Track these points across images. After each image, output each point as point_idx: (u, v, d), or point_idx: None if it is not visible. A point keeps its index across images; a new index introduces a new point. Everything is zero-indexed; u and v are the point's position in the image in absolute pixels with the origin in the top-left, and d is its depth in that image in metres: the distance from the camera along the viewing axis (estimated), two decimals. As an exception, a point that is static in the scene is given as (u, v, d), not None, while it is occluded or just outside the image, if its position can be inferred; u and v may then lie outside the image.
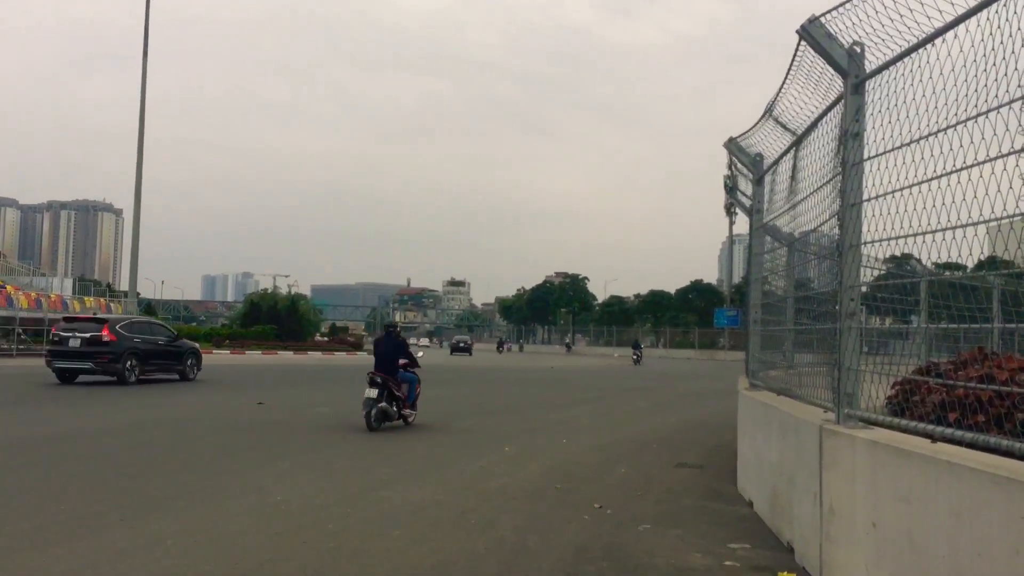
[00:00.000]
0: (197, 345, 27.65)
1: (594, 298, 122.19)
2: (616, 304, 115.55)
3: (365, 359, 43.19)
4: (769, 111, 7.46)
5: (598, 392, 25.11)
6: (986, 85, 4.03)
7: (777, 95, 7.04)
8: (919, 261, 6.33)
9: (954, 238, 4.20)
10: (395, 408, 13.76)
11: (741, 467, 8.79)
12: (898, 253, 5.46)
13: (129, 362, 22.50)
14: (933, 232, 4.42)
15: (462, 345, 76.90)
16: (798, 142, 7.13)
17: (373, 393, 13.34)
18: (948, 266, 5.69)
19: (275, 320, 63.37)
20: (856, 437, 4.82)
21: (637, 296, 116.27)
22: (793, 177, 7.47)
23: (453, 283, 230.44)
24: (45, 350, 24.66)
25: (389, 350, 14.03)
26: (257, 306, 66.87)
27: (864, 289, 7.09)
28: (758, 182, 9.05)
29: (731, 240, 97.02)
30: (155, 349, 23.86)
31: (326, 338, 79.39)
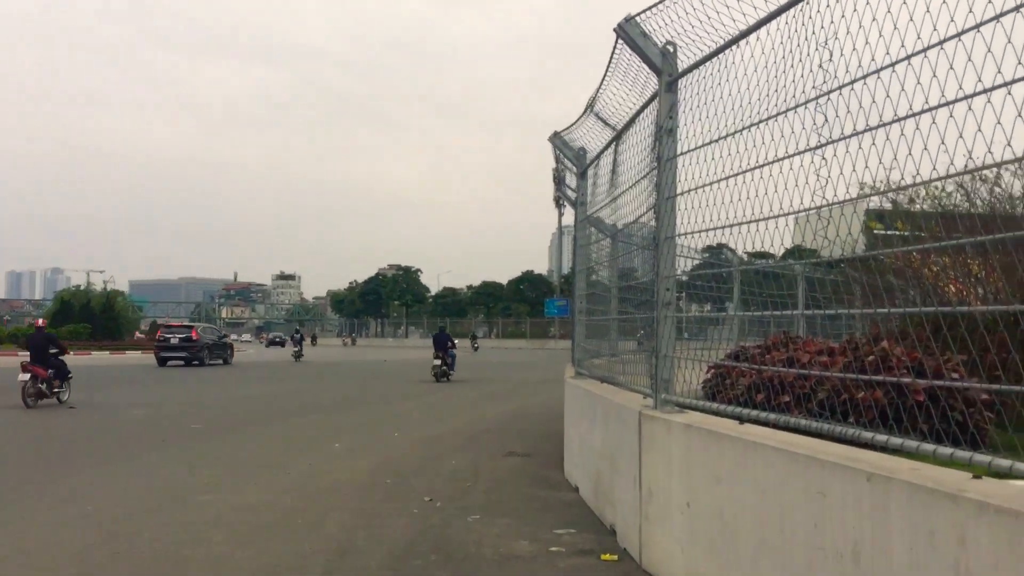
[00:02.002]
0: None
1: (427, 290, 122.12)
2: (450, 296, 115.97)
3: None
4: (591, 107, 7.64)
5: (431, 385, 25.10)
6: (785, 85, 4.27)
7: (597, 91, 7.22)
8: (732, 250, 6.66)
9: (766, 229, 4.36)
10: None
11: (568, 454, 9.01)
12: (714, 243, 5.70)
13: None
14: (739, 224, 4.65)
15: (277, 340, 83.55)
16: (618, 137, 7.34)
17: None
18: (759, 255, 5.99)
19: (89, 319, 60.02)
20: (672, 421, 5.02)
21: (470, 287, 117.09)
22: (614, 171, 7.69)
23: (283, 276, 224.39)
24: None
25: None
26: (69, 304, 63.16)
27: (684, 278, 7.40)
28: (582, 175, 9.26)
29: (560, 231, 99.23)
30: None
31: (146, 336, 75.62)
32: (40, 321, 20.75)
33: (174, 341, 36.85)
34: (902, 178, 3.37)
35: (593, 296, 9.13)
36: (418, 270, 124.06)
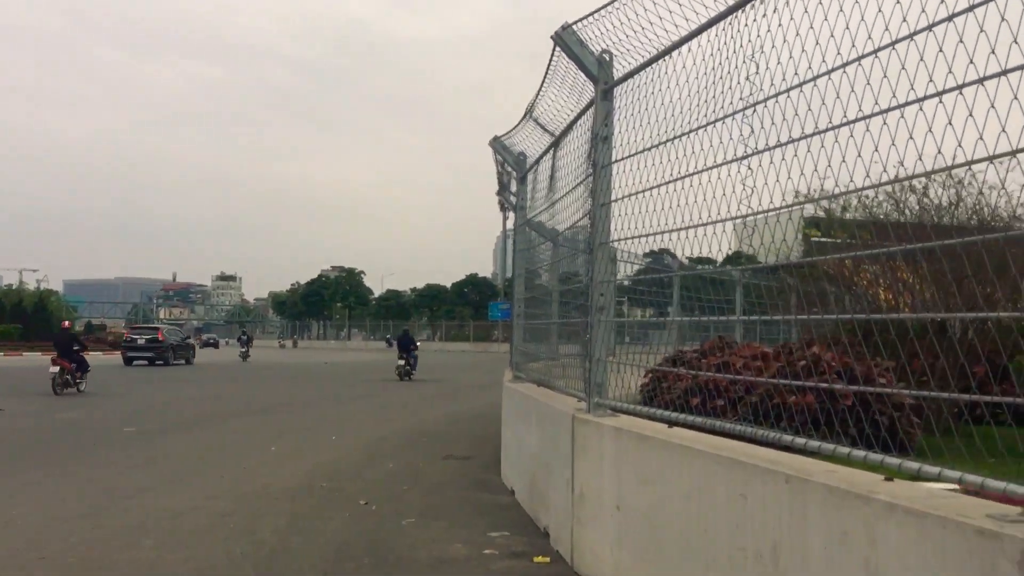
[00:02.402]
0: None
1: (371, 292, 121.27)
2: (393, 298, 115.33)
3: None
4: (529, 112, 7.70)
5: (372, 387, 24.99)
6: (714, 96, 4.36)
7: (536, 97, 7.28)
8: (673, 256, 6.76)
9: (704, 234, 4.35)
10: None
11: (505, 457, 9.05)
12: (657, 248, 5.75)
13: None
14: (670, 231, 4.73)
15: (211, 341, 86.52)
16: (556, 143, 7.41)
17: None
18: (700, 260, 6.08)
19: (20, 319, 58.52)
20: (603, 425, 5.08)
21: (414, 290, 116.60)
22: (552, 176, 7.76)
23: (223, 277, 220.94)
24: None
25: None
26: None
27: (625, 283, 7.49)
28: (521, 180, 9.32)
29: (504, 235, 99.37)
30: None
31: (86, 337, 73.85)
32: (66, 323, 24.53)
33: (141, 342, 39.32)
34: (836, 186, 3.45)
35: (532, 300, 9.19)
36: (361, 272, 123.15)
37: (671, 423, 4.73)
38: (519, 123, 8.31)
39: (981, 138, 2.58)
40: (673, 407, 7.66)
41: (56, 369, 20.70)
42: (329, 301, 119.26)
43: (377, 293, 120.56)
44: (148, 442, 11.95)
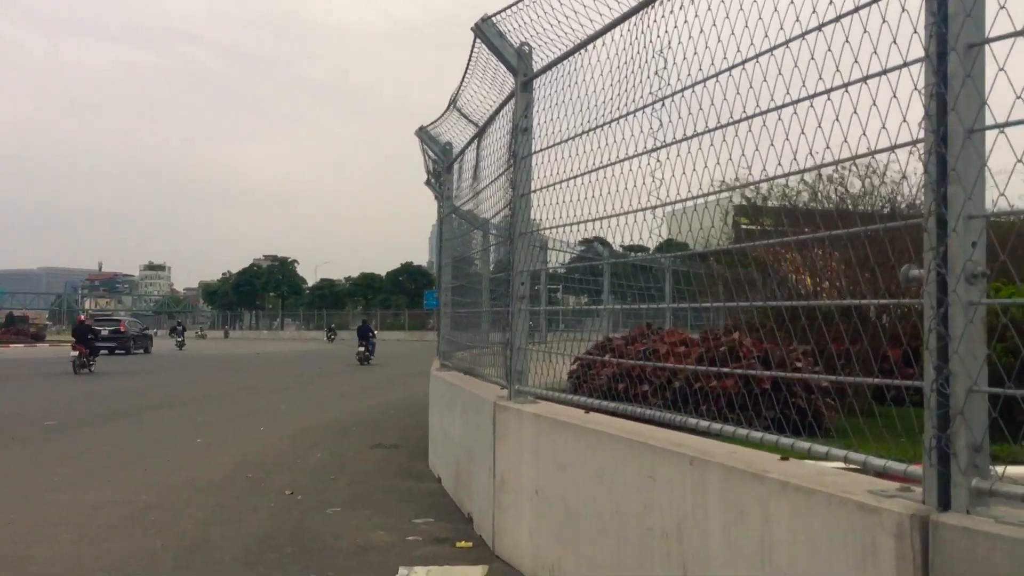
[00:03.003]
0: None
1: (304, 281, 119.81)
2: (327, 287, 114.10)
3: (47, 352, 39.67)
4: (453, 103, 7.75)
5: (304, 377, 24.79)
6: (627, 89, 4.46)
7: (459, 88, 7.33)
8: (606, 244, 6.87)
9: (635, 221, 4.34)
10: None
11: (432, 445, 9.12)
12: (591, 236, 5.81)
13: None
14: (589, 221, 4.83)
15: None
16: (480, 133, 7.47)
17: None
18: (633, 248, 6.17)
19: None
20: (523, 411, 5.18)
21: (348, 279, 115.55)
22: (477, 166, 7.83)
23: (152, 267, 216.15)
24: None
25: None
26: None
27: (561, 271, 7.60)
28: (447, 169, 9.37)
29: (439, 223, 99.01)
30: None
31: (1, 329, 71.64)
32: (81, 317, 31.51)
33: (105, 333, 40.56)
34: (749, 175, 3.53)
35: (459, 289, 9.25)
36: (294, 261, 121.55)
37: (588, 409, 4.84)
38: (444, 113, 8.35)
39: (884, 127, 2.71)
40: (600, 393, 7.82)
41: (75, 353, 26.21)
42: (262, 290, 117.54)
43: (311, 282, 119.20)
44: (69, 436, 11.72)
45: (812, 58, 3.00)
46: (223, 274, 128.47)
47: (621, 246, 6.11)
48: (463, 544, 5.77)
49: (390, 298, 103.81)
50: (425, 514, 6.70)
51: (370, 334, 32.99)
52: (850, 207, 12.21)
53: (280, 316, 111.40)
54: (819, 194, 12.47)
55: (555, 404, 5.19)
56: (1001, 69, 2.32)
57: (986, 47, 2.34)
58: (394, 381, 23.01)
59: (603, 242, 6.71)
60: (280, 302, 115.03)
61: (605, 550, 4.07)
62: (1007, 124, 2.29)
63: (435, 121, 8.93)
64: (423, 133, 9.29)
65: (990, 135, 2.33)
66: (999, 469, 2.35)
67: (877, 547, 2.40)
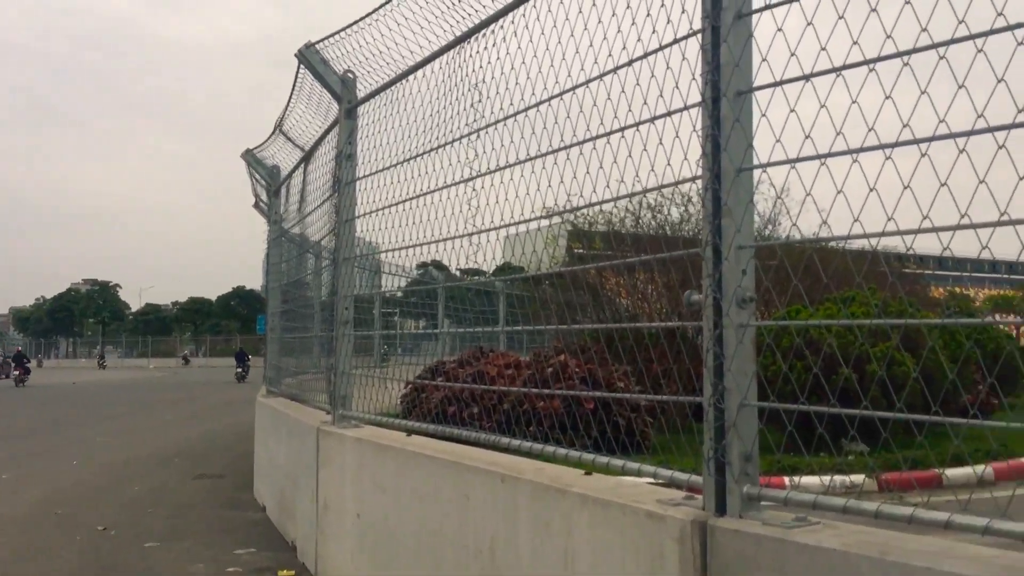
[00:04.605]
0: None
1: (127, 307, 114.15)
2: (152, 312, 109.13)
3: None
4: (279, 127, 7.69)
5: (126, 407, 23.59)
6: (445, 120, 4.60)
7: (285, 113, 7.29)
8: (440, 267, 6.96)
9: (470, 245, 4.41)
10: None
11: (257, 473, 8.93)
12: (429, 260, 5.87)
13: None
14: (409, 247, 4.93)
15: None
16: (307, 158, 7.45)
17: None
18: (471, 271, 6.28)
19: None
20: (345, 436, 5.19)
21: (176, 304, 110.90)
22: (303, 191, 7.79)
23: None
24: None
25: None
26: None
27: (399, 294, 7.63)
28: (275, 193, 9.26)
29: (268, 247, 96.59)
30: None
31: None
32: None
33: None
34: (568, 201, 3.70)
35: (288, 313, 9.13)
36: (116, 285, 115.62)
37: (410, 432, 4.91)
38: (270, 137, 8.27)
39: (668, 164, 2.95)
40: (430, 416, 7.89)
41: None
42: (80, 316, 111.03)
43: (135, 307, 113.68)
44: None
45: (608, 98, 3.23)
46: (36, 299, 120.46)
47: (458, 270, 6.23)
48: (285, 573, 5.70)
49: (221, 323, 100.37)
50: (248, 544, 6.56)
51: (246, 358, 41.19)
52: (668, 233, 12.89)
53: (101, 343, 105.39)
54: (640, 221, 13.11)
55: (379, 428, 5.23)
56: (763, 115, 2.58)
57: (753, 95, 2.61)
58: (222, 409, 22.24)
59: (439, 266, 6.81)
60: (101, 328, 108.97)
61: (424, 570, 4.15)
62: (769, 164, 2.55)
63: (261, 144, 8.83)
64: (249, 156, 9.16)
65: (778, 171, 2.56)
66: (795, 479, 2.59)
67: (664, 552, 2.59)
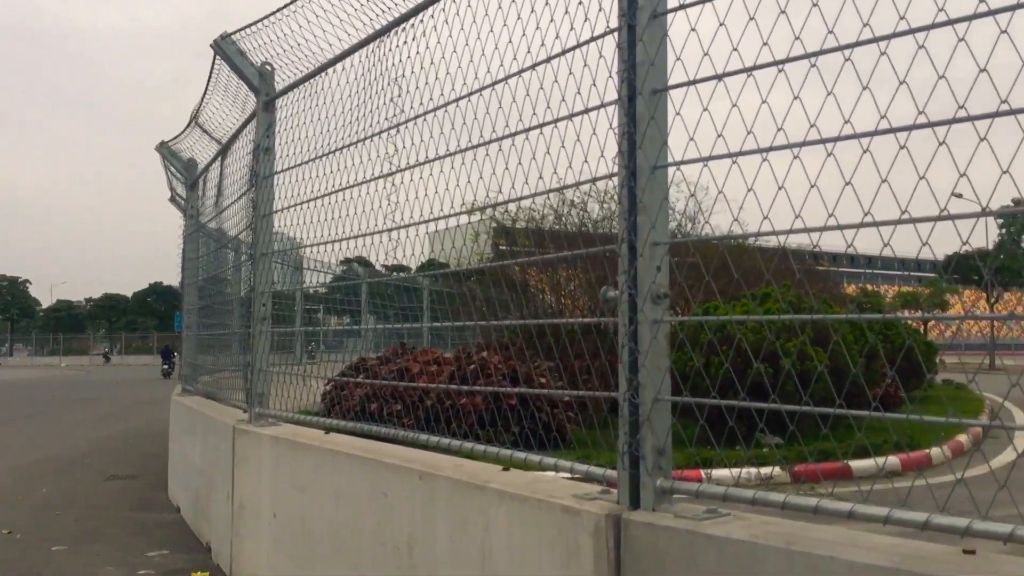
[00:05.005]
0: None
1: (38, 303, 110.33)
2: (65, 309, 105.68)
3: None
4: (195, 119, 7.52)
5: (36, 407, 22.79)
6: (365, 114, 4.55)
7: (200, 105, 7.13)
8: (365, 263, 6.88)
9: (397, 240, 4.34)
10: None
11: (172, 473, 8.72)
12: (353, 256, 5.78)
13: None
14: (326, 243, 4.87)
15: None
16: (224, 151, 7.30)
17: None
18: (396, 267, 6.21)
19: None
20: (262, 434, 5.10)
21: (89, 300, 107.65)
22: (221, 185, 7.63)
23: None
24: None
25: None
26: None
27: (322, 290, 7.52)
28: (191, 187, 9.05)
29: (184, 242, 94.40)
30: None
31: None
32: None
33: None
34: (486, 196, 3.69)
35: (207, 310, 8.93)
36: (26, 281, 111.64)
37: (328, 429, 4.85)
38: (186, 129, 8.08)
39: (586, 161, 2.96)
40: (353, 414, 7.81)
41: None
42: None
43: (46, 304, 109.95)
44: None
45: (527, 94, 3.24)
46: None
47: (383, 266, 6.16)
48: (199, 574, 5.58)
49: (137, 320, 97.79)
50: (161, 546, 6.40)
51: (172, 355, 39.66)
52: (591, 230, 13.00)
53: (9, 341, 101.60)
54: (563, 218, 13.20)
55: (297, 427, 5.16)
56: (678, 114, 2.62)
57: (668, 93, 2.64)
58: (137, 408, 21.65)
59: (364, 262, 6.74)
60: (9, 326, 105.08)
61: (342, 569, 4.11)
62: (683, 162, 2.59)
63: (177, 137, 8.61)
64: (164, 149, 8.93)
65: (689, 169, 2.59)
66: (711, 472, 2.63)
67: (579, 546, 2.61)
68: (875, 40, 2.06)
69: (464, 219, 4.01)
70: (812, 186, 2.20)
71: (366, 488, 3.93)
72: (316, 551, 4.35)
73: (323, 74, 5.02)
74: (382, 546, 3.75)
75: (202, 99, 7.01)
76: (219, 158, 7.53)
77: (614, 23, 2.72)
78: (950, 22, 1.92)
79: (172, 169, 9.43)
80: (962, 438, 11.01)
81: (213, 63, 6.11)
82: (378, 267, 6.80)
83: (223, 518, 5.65)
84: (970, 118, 1.86)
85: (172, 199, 10.92)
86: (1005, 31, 1.85)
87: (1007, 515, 2.08)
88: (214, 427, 6.21)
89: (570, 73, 3.02)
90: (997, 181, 1.84)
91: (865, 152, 2.09)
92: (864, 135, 2.08)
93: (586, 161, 2.93)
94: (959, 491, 1.94)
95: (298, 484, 4.62)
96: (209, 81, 6.52)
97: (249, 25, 5.53)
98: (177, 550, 6.27)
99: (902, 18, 2.00)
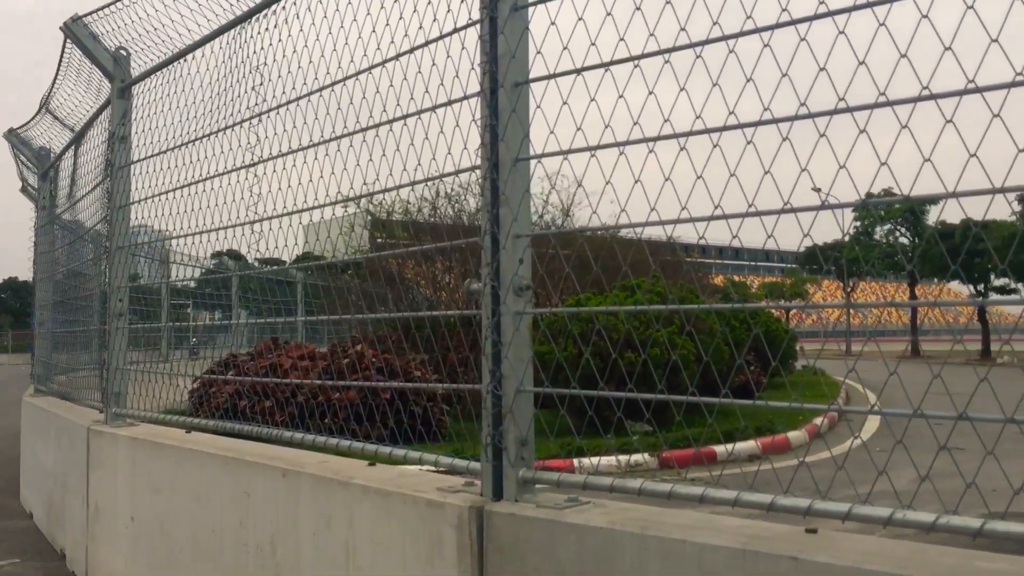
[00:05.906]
0: None
1: None
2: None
3: None
4: (45, 106, 7.13)
5: None
6: (227, 103, 4.41)
7: (51, 90, 6.77)
8: (237, 257, 6.66)
9: (270, 232, 4.19)
10: None
11: (24, 478, 8.29)
12: (224, 249, 5.56)
13: None
14: (190, 235, 4.70)
15: None
16: (78, 139, 6.96)
17: None
18: (269, 261, 6.00)
19: None
20: (119, 435, 4.89)
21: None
22: (74, 174, 7.27)
23: None
24: None
25: None
26: None
27: (192, 284, 7.25)
28: (43, 177, 8.59)
29: (36, 234, 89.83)
30: None
31: None
32: None
33: None
34: (350, 188, 3.61)
35: (62, 305, 8.50)
36: None
37: (189, 428, 4.70)
38: (36, 116, 7.65)
39: (449, 153, 2.95)
40: (221, 411, 7.58)
41: None
42: None
43: None
44: None
45: (391, 85, 3.20)
46: None
47: (257, 259, 5.97)
48: (51, 583, 5.33)
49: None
50: (11, 554, 6.07)
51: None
52: (465, 222, 13.01)
53: None
54: (438, 210, 13.17)
55: (157, 426, 4.96)
56: (538, 107, 2.64)
57: (529, 86, 2.65)
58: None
59: (236, 255, 6.54)
60: None
61: (202, 571, 3.98)
62: (543, 155, 2.62)
63: (27, 124, 8.14)
64: (13, 136, 8.43)
65: (549, 162, 2.62)
66: (585, 461, 2.66)
67: (443, 539, 2.60)
68: (723, 39, 2.13)
69: (340, 211, 3.95)
70: (666, 179, 2.25)
71: (228, 488, 3.82)
72: (176, 554, 4.20)
73: (183, 60, 4.84)
74: (244, 546, 3.65)
75: (52, 84, 6.65)
76: (73, 146, 7.17)
77: (476, 15, 2.72)
78: (793, 22, 2.01)
79: (22, 158, 8.92)
80: (818, 421, 11.57)
81: (64, 46, 5.80)
82: (251, 260, 6.63)
83: (78, 523, 5.39)
84: (783, 119, 1.94)
85: (24, 189, 10.34)
86: (843, 32, 1.94)
87: (847, 495, 2.19)
88: (68, 428, 5.92)
89: (433, 64, 3.00)
90: (835, 174, 1.92)
91: (715, 147, 2.15)
92: (714, 130, 2.14)
93: (449, 153, 2.92)
94: (814, 473, 2.03)
95: (157, 486, 4.45)
96: (60, 65, 6.19)
97: (103, 7, 5.27)
98: (30, 558, 5.96)
99: (749, 17, 2.07)
